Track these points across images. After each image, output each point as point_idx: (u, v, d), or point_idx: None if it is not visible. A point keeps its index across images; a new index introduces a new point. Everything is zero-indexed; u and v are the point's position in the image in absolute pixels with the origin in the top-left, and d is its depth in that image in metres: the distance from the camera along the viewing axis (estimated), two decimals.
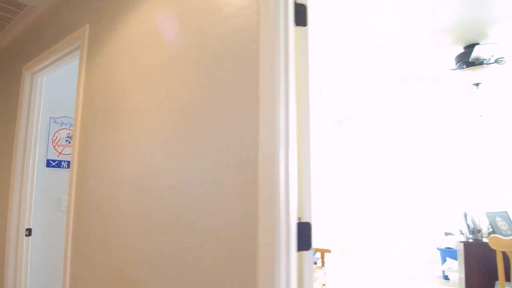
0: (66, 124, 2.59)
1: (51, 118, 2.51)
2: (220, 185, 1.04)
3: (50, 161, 2.50)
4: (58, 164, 2.55)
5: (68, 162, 2.60)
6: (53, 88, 2.53)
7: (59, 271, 2.52)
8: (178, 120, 1.21)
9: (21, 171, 2.36)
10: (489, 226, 3.07)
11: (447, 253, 4.51)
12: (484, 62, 3.16)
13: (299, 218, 0.98)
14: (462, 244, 3.04)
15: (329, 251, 3.44)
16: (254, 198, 0.95)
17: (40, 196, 2.43)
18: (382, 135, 6.17)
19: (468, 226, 3.14)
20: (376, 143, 6.21)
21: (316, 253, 3.55)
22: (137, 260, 1.28)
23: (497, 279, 2.67)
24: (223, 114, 1.06)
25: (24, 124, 2.35)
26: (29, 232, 2.35)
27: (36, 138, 2.38)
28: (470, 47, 3.15)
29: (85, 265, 1.57)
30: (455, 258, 4.36)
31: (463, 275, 3.02)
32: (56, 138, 2.54)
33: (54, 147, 2.53)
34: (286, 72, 0.95)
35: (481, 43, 3.13)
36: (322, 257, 3.50)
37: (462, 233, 3.27)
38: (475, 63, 3.20)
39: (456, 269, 4.19)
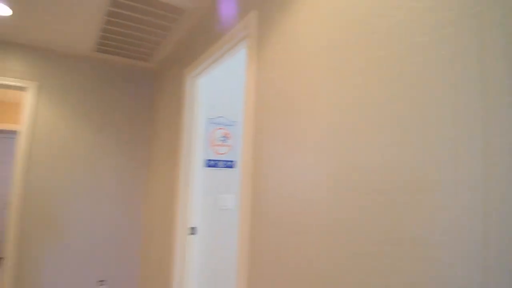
0: (221, 124, 2.60)
1: (209, 119, 2.54)
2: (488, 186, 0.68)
3: (209, 161, 2.55)
4: (215, 164, 2.58)
5: (224, 162, 2.61)
6: (207, 89, 2.57)
7: (220, 270, 2.56)
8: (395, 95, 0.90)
9: (185, 171, 2.45)
10: None
11: None
12: None
13: None
14: None
15: None
16: None
17: (201, 195, 2.50)
18: None
19: None
20: None
21: None
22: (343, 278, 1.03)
23: None
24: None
25: (188, 126, 2.43)
26: (193, 230, 2.42)
27: (198, 140, 2.44)
28: None
29: (264, 276, 1.41)
30: None
31: None
32: (213, 138, 2.57)
33: (211, 147, 2.57)
34: None
35: None
36: None
37: None
38: None
39: None
